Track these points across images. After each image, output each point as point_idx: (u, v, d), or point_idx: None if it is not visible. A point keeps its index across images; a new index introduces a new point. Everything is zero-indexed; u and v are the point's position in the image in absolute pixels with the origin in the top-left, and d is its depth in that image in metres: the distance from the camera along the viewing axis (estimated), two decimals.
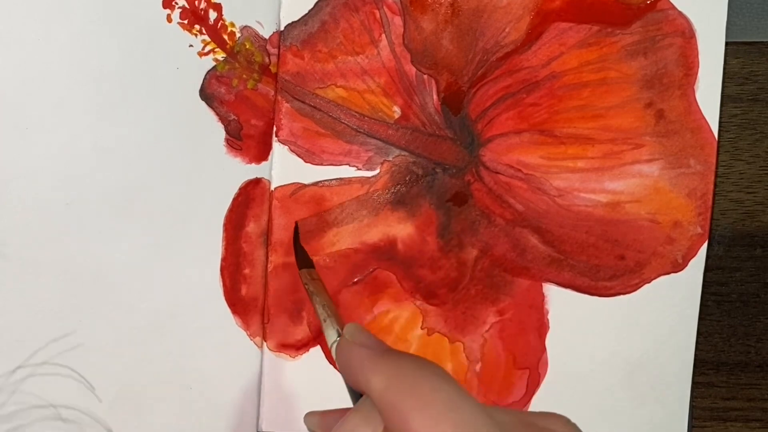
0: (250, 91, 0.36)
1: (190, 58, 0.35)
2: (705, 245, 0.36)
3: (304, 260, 0.35)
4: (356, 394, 0.28)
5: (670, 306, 0.36)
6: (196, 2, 0.34)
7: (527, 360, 0.37)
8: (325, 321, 0.31)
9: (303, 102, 0.36)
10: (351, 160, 0.36)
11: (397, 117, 0.36)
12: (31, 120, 0.33)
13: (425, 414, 0.24)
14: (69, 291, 0.34)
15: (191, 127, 0.35)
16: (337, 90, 0.36)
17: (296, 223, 0.36)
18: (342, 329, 0.30)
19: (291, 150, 0.36)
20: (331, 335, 0.30)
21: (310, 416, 0.32)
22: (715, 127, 0.36)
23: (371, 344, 0.28)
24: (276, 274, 0.36)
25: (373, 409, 0.25)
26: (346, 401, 0.36)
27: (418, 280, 0.36)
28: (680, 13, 0.35)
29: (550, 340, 0.37)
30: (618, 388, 0.37)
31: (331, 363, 0.37)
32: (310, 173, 0.36)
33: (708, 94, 0.36)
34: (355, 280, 0.36)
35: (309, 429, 0.32)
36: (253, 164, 0.36)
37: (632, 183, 0.36)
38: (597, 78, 0.36)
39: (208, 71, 0.35)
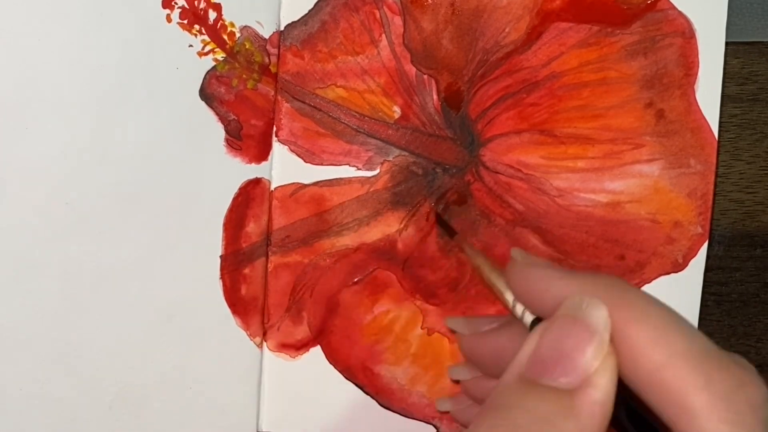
0: (250, 91, 0.36)
1: (190, 58, 0.35)
2: (705, 245, 0.36)
3: (449, 230, 0.34)
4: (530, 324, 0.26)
5: (670, 306, 0.36)
6: (196, 2, 0.34)
7: None
8: (482, 266, 0.30)
9: (303, 102, 0.36)
10: (351, 160, 0.36)
11: (397, 117, 0.36)
12: (31, 120, 0.33)
13: (651, 327, 0.22)
14: (69, 291, 0.34)
15: (191, 127, 0.35)
16: (337, 90, 0.36)
17: (435, 212, 0.35)
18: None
19: (291, 150, 0.36)
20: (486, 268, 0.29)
21: (452, 319, 0.30)
22: (715, 127, 0.36)
23: (551, 264, 0.26)
24: (276, 274, 0.36)
25: (595, 309, 0.23)
26: (346, 400, 0.36)
27: (418, 280, 0.36)
28: (680, 13, 0.35)
29: None
30: None
31: (331, 363, 0.37)
32: (310, 173, 0.36)
33: (708, 94, 0.36)
34: (355, 280, 0.36)
35: (452, 328, 0.30)
36: (253, 164, 0.36)
37: (632, 183, 0.36)
38: (597, 78, 0.36)
39: (208, 71, 0.35)
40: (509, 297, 0.28)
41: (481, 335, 0.30)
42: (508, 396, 0.22)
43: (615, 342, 0.22)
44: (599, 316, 0.22)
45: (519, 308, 0.27)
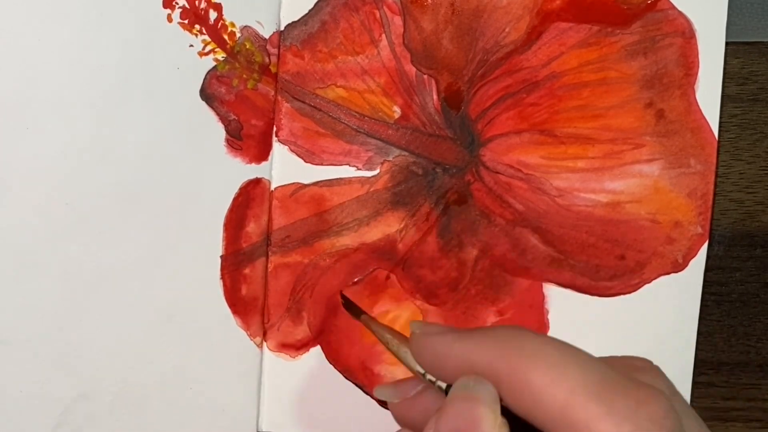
0: (250, 91, 0.36)
1: (190, 58, 0.35)
2: (705, 245, 0.36)
3: (355, 310, 0.35)
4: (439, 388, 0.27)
5: (670, 306, 0.36)
6: (197, 2, 0.34)
7: None
8: (387, 342, 0.31)
9: (303, 102, 0.36)
10: (351, 160, 0.36)
11: (397, 117, 0.36)
12: (31, 120, 0.33)
13: (546, 369, 0.23)
14: (69, 291, 0.34)
15: (191, 127, 0.35)
16: (337, 90, 0.36)
17: (341, 294, 0.36)
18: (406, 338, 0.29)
19: (291, 150, 0.36)
20: (393, 344, 0.30)
21: (381, 387, 0.31)
22: (715, 127, 0.36)
23: (448, 329, 0.27)
24: (276, 274, 0.36)
25: (483, 387, 0.24)
26: (346, 400, 0.36)
27: (418, 280, 0.36)
28: (680, 13, 0.35)
29: None
30: None
31: (331, 363, 0.37)
32: (310, 173, 0.36)
33: (708, 94, 0.36)
34: (355, 280, 0.36)
35: (383, 398, 0.31)
36: (253, 164, 0.36)
37: (632, 183, 0.36)
38: (597, 78, 0.36)
39: (209, 71, 0.35)
40: (420, 368, 0.29)
41: (410, 400, 0.30)
42: None
43: (518, 390, 0.24)
44: (486, 391, 0.24)
45: (431, 376, 0.28)
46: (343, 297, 0.36)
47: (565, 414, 0.23)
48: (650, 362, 0.27)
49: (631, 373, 0.25)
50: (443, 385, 0.27)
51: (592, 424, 0.22)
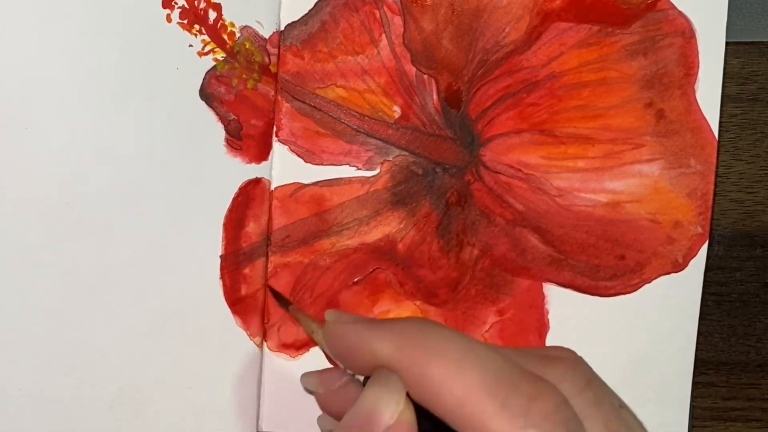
0: (250, 91, 0.36)
1: (190, 58, 0.35)
2: (705, 245, 0.36)
3: (283, 301, 0.36)
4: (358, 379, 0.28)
5: (670, 306, 0.36)
6: (196, 2, 0.34)
7: None
8: (313, 332, 0.32)
9: (303, 102, 0.36)
10: (351, 160, 0.36)
11: (397, 117, 0.36)
12: (31, 120, 0.33)
13: (445, 364, 0.24)
14: (69, 291, 0.34)
15: (191, 127, 0.35)
16: (337, 90, 0.36)
17: (268, 287, 0.36)
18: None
19: (291, 150, 0.36)
20: (318, 334, 0.31)
21: (307, 376, 0.32)
22: (715, 127, 0.36)
23: (360, 319, 0.28)
24: (276, 274, 0.36)
25: (388, 378, 0.25)
26: None
27: (418, 280, 0.36)
28: (680, 13, 0.35)
29: (550, 340, 0.37)
30: (618, 388, 0.37)
31: (332, 364, 0.37)
32: (310, 173, 0.36)
33: (708, 94, 0.36)
34: (355, 280, 0.36)
35: (308, 389, 0.32)
36: (253, 164, 0.36)
37: (632, 183, 0.36)
38: (597, 78, 0.36)
39: (208, 71, 0.35)
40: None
41: (335, 392, 0.31)
42: None
43: (418, 384, 0.24)
44: (393, 380, 0.25)
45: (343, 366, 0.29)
46: (271, 289, 0.36)
47: (462, 410, 0.23)
48: (569, 351, 0.27)
49: (542, 365, 0.25)
50: (361, 378, 0.28)
51: (487, 421, 0.23)
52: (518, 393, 0.23)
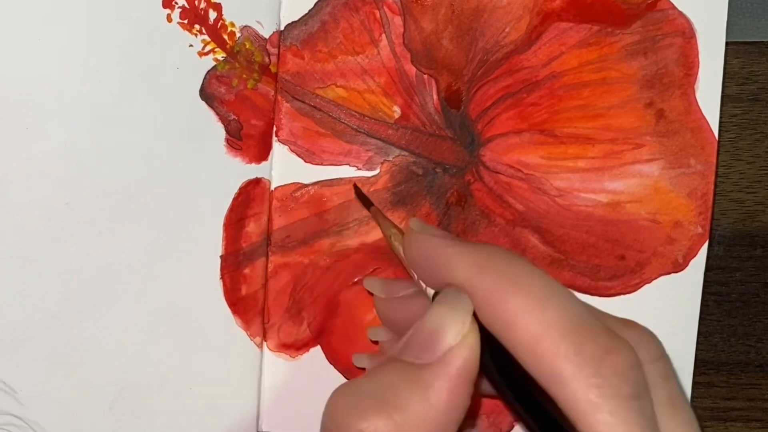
0: (250, 91, 0.36)
1: (190, 58, 0.35)
2: (705, 245, 0.36)
3: (365, 200, 0.35)
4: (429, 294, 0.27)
5: (670, 306, 0.36)
6: (196, 2, 0.34)
7: None
8: (391, 236, 0.31)
9: (303, 102, 0.36)
10: (351, 160, 0.36)
11: (397, 117, 0.36)
12: (31, 120, 0.33)
13: (526, 296, 0.23)
14: (69, 291, 0.34)
15: (191, 127, 0.35)
16: (337, 90, 0.36)
17: (354, 185, 0.36)
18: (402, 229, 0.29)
19: (291, 150, 0.36)
20: (395, 234, 0.30)
21: (371, 280, 0.31)
22: (715, 127, 0.36)
23: (445, 234, 0.27)
24: (276, 274, 0.36)
25: (459, 298, 0.24)
26: None
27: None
28: (680, 13, 0.35)
29: None
30: None
31: (331, 363, 0.37)
32: (310, 173, 0.36)
33: (708, 94, 0.36)
34: (355, 280, 0.36)
35: (371, 290, 0.31)
36: (253, 164, 0.36)
37: (632, 183, 0.36)
38: (597, 78, 0.36)
39: (208, 71, 0.35)
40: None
41: (397, 300, 0.30)
42: (372, 369, 0.25)
43: (492, 311, 0.24)
44: (463, 300, 0.24)
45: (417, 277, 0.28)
46: (356, 187, 0.35)
47: (535, 346, 0.23)
48: (645, 328, 0.26)
49: (622, 327, 0.25)
50: (431, 292, 0.27)
51: (557, 361, 0.22)
52: (595, 343, 0.22)
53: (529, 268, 0.24)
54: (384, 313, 0.31)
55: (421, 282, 0.28)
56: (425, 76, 0.36)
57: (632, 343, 0.23)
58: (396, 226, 0.32)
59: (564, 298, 0.23)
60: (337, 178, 0.36)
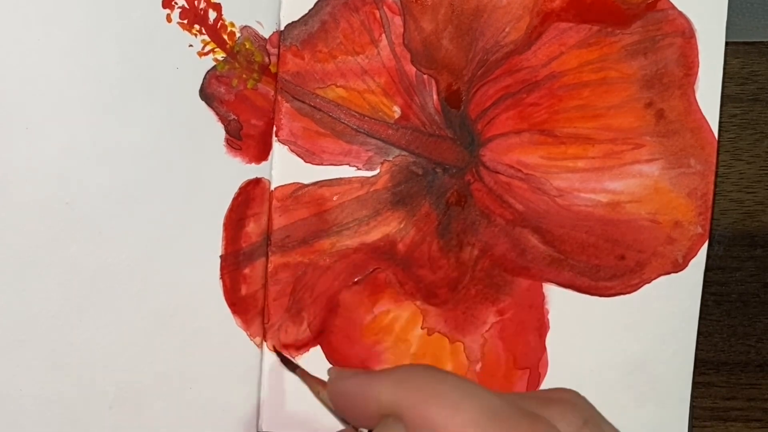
0: (250, 91, 0.36)
1: (190, 58, 0.35)
2: (705, 245, 0.36)
3: (290, 365, 0.36)
4: None
5: (670, 306, 0.36)
6: (196, 2, 0.34)
7: (527, 360, 0.37)
8: (318, 393, 0.33)
9: (303, 102, 0.36)
10: (351, 160, 0.36)
11: (397, 117, 0.36)
12: (31, 120, 0.33)
13: (441, 404, 0.24)
14: (69, 291, 0.34)
15: (191, 127, 0.35)
16: (337, 90, 0.36)
17: (276, 352, 0.36)
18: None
19: (291, 150, 0.36)
20: (323, 395, 0.32)
21: None
22: (715, 127, 0.36)
23: (359, 372, 0.28)
24: (276, 274, 0.36)
25: (393, 425, 0.26)
26: None
27: (418, 280, 0.36)
28: (680, 13, 0.35)
29: (550, 340, 0.37)
30: (618, 388, 0.37)
31: (331, 363, 0.36)
32: (310, 173, 0.36)
33: (708, 94, 0.36)
34: (355, 280, 0.36)
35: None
36: (253, 164, 0.36)
37: (632, 183, 0.36)
38: (597, 78, 0.36)
39: (208, 71, 0.35)
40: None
41: None
42: None
43: (422, 426, 0.25)
44: (396, 428, 0.26)
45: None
46: (278, 353, 0.36)
47: None
48: (570, 392, 0.28)
49: (542, 406, 0.26)
50: None
51: None
52: (515, 429, 0.24)
53: (443, 378, 0.26)
54: None
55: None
56: (425, 76, 0.36)
57: (554, 417, 0.25)
58: (321, 382, 0.33)
59: (479, 397, 0.25)
60: (337, 178, 0.36)
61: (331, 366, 0.32)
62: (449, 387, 0.25)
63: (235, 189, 0.36)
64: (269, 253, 0.36)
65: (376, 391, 0.26)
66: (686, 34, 0.36)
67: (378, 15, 0.36)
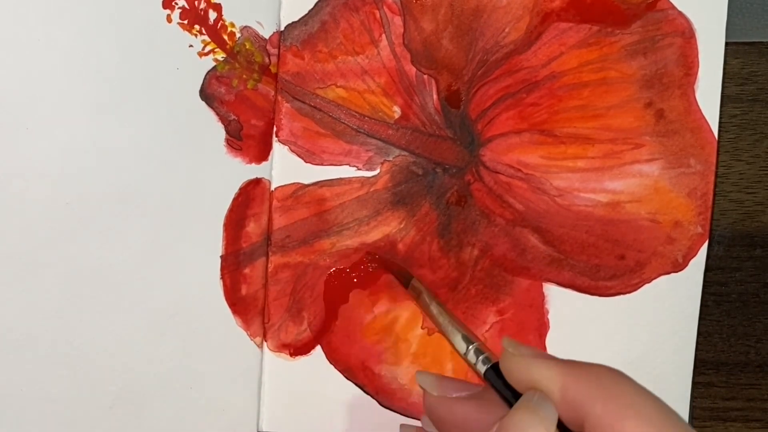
0: (250, 91, 0.36)
1: (190, 59, 0.35)
2: (705, 245, 0.36)
3: (404, 275, 0.35)
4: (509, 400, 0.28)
5: (670, 306, 0.36)
6: (196, 2, 0.34)
7: None
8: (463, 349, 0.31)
9: (303, 102, 0.36)
10: (351, 160, 0.36)
11: (397, 117, 0.36)
12: (31, 120, 0.33)
13: (611, 405, 0.24)
14: (69, 291, 0.34)
15: (191, 127, 0.35)
16: (337, 90, 0.36)
17: (366, 253, 0.36)
18: (469, 340, 0.30)
19: (291, 150, 0.36)
20: (461, 345, 0.31)
21: (424, 375, 0.31)
22: (715, 127, 0.36)
23: (539, 353, 0.27)
24: (276, 274, 0.36)
25: (542, 403, 0.25)
26: (346, 400, 0.36)
27: (419, 280, 0.36)
28: (680, 13, 0.35)
29: (550, 340, 0.37)
30: None
31: (331, 363, 0.37)
32: (310, 173, 0.36)
33: (708, 94, 0.36)
34: (356, 280, 0.36)
35: (423, 386, 0.32)
36: (253, 164, 0.36)
37: (632, 183, 0.36)
38: (597, 78, 0.36)
39: (208, 71, 0.35)
40: (462, 345, 0.30)
41: (449, 400, 0.30)
42: None
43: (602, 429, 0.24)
44: (546, 407, 0.25)
45: (472, 357, 0.29)
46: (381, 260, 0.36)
47: None
48: None
49: None
50: (482, 369, 0.28)
51: None
52: None
53: (640, 392, 0.25)
54: (433, 410, 0.31)
55: (470, 359, 0.29)
56: (425, 76, 0.36)
57: None
58: (471, 334, 0.32)
59: (674, 423, 0.24)
60: (337, 178, 0.36)
61: (505, 337, 0.30)
62: (649, 403, 0.24)
63: (236, 189, 0.36)
64: (269, 253, 0.36)
65: (567, 385, 0.25)
66: (686, 34, 0.36)
67: (378, 15, 0.36)
